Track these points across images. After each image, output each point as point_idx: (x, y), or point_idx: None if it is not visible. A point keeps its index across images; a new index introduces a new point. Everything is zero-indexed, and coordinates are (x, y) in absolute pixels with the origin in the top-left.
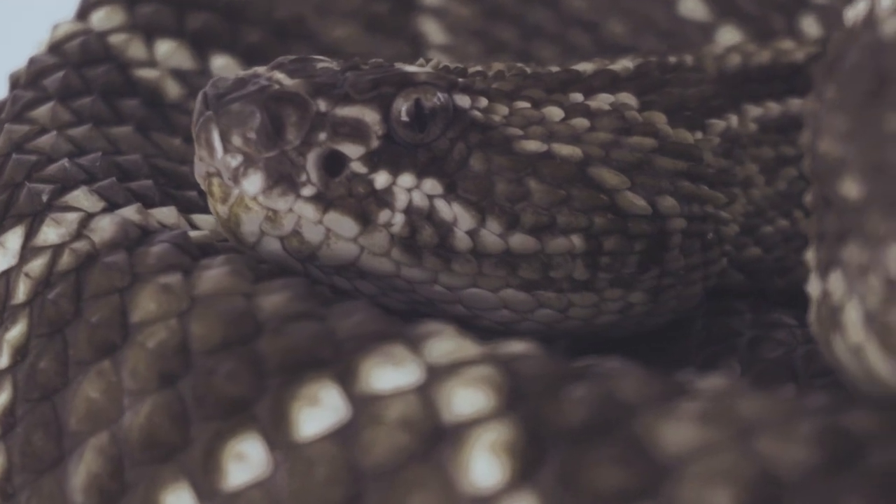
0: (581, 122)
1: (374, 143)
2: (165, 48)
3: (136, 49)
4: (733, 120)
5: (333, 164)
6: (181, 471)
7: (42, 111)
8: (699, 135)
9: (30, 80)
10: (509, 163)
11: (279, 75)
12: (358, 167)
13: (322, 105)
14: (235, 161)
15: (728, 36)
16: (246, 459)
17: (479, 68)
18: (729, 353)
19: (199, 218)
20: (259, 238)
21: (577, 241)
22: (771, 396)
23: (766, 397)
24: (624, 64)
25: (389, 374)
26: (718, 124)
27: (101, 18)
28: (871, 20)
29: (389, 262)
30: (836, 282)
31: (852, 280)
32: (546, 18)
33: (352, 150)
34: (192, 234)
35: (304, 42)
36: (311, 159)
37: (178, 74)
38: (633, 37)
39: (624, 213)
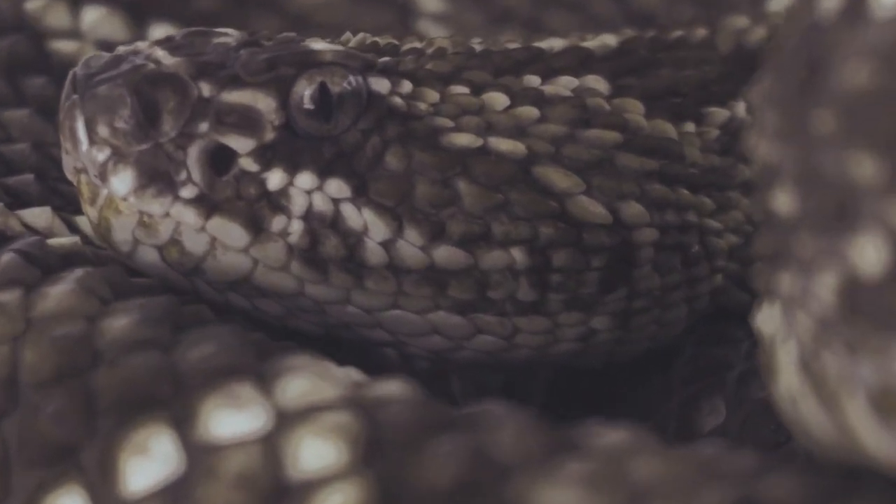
0: (529, 112)
1: (269, 136)
2: (94, 15)
3: (57, 16)
4: (739, 108)
5: (219, 159)
6: None
7: None
8: (690, 126)
9: None
10: (434, 160)
11: (160, 52)
12: (248, 164)
13: (205, 89)
14: (102, 155)
15: (783, 2)
16: None
17: (415, 45)
18: (714, 390)
19: (85, 220)
20: (133, 247)
21: (518, 254)
22: (677, 457)
23: (671, 458)
24: (604, 40)
25: (231, 419)
26: (719, 114)
27: None
28: None
29: (289, 277)
30: (772, 316)
31: (786, 315)
32: None
33: (240, 144)
34: (55, 241)
35: (267, 10)
36: (192, 154)
37: (106, 47)
38: (667, 5)
39: (577, 222)
